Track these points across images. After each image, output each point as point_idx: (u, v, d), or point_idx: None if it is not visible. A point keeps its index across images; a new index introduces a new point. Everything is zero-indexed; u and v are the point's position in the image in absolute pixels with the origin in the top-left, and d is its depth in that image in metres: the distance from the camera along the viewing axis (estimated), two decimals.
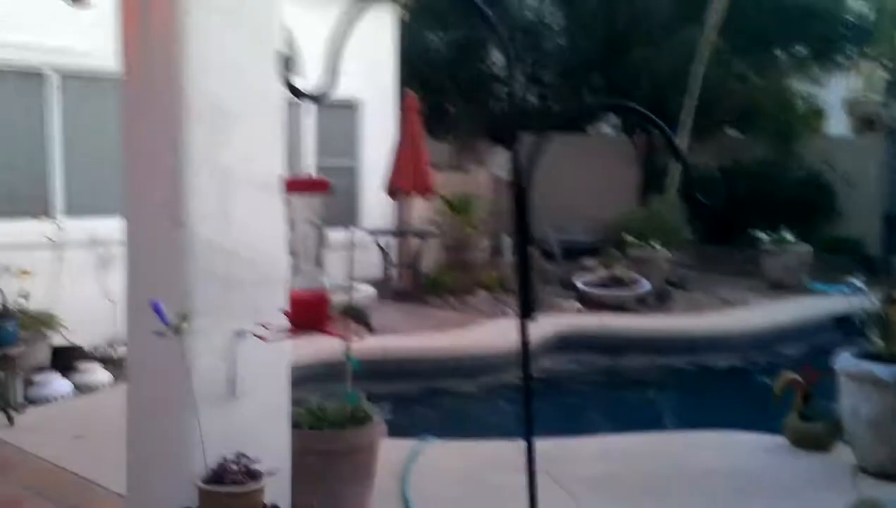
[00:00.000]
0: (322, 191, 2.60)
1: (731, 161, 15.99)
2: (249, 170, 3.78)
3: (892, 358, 5.44)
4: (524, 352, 2.85)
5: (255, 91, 3.77)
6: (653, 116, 3.39)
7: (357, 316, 9.06)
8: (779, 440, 6.09)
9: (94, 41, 7.76)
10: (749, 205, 15.10)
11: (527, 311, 2.98)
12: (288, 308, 2.64)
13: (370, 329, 9.49)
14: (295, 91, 2.60)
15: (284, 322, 2.65)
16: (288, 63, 2.77)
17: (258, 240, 3.79)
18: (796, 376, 6.20)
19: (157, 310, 3.47)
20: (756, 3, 14.84)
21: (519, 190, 2.83)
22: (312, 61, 10.36)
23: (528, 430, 2.84)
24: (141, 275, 3.97)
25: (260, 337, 2.85)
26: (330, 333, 2.69)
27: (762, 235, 13.55)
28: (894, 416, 5.33)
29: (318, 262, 2.65)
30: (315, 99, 2.63)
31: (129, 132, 4.02)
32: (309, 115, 11.62)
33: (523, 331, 2.88)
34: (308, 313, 2.63)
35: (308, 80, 2.78)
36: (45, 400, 6.85)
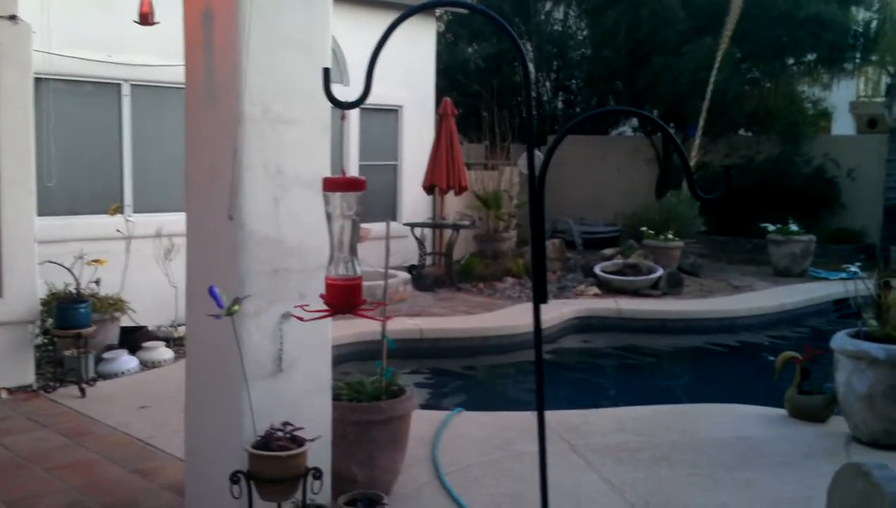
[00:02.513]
0: (358, 189, 2.65)
1: (744, 159, 15.86)
2: (298, 170, 3.84)
3: (885, 338, 5.43)
4: (537, 331, 2.89)
5: (306, 100, 3.83)
6: (657, 119, 3.42)
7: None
8: (779, 412, 6.10)
9: (161, 55, 7.90)
10: (759, 199, 15.00)
11: (541, 296, 3.01)
12: (325, 292, 2.70)
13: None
14: (333, 99, 2.65)
15: (322, 305, 2.71)
16: (328, 74, 2.82)
17: (304, 233, 3.85)
18: (796, 354, 6.20)
19: (213, 295, 3.55)
20: (769, 14, 14.71)
21: (534, 185, 2.86)
22: (358, 71, 10.48)
23: (539, 399, 2.89)
24: (200, 264, 4.06)
25: (298, 318, 2.92)
26: (362, 315, 2.74)
27: (769, 226, 13.46)
28: (885, 391, 5.31)
29: (353, 252, 2.70)
30: (351, 105, 2.67)
31: (191, 137, 4.11)
32: (355, 120, 11.69)
33: (536, 313, 2.92)
34: (342, 297, 2.68)
35: (353, 87, 2.83)
36: (113, 375, 6.96)
